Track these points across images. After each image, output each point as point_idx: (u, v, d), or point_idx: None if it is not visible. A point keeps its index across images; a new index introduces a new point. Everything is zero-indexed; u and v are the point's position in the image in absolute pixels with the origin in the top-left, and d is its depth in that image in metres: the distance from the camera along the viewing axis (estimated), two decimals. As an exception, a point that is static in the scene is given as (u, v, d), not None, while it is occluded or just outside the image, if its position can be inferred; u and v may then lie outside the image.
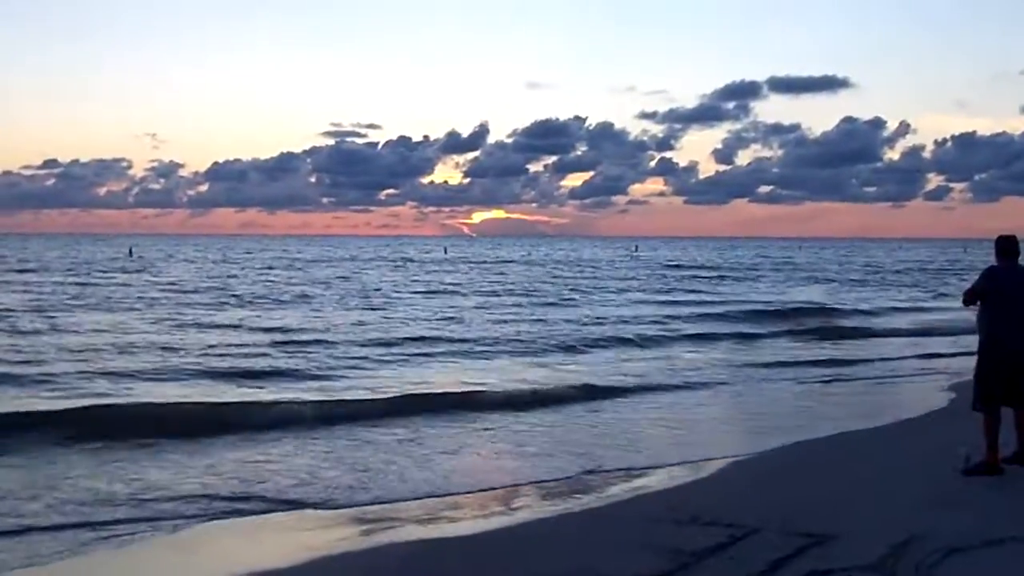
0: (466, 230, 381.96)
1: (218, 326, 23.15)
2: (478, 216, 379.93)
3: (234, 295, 34.89)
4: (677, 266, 71.04)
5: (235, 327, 22.83)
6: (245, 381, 14.47)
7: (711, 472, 8.91)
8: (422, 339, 20.44)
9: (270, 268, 61.29)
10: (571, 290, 40.51)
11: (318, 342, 19.49)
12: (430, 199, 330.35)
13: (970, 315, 8.64)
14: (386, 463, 9.37)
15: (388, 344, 19.52)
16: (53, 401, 12.23)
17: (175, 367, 15.70)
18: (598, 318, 26.38)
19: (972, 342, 8.37)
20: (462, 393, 13.29)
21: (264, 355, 17.65)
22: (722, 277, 54.61)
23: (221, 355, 17.40)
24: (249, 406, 11.95)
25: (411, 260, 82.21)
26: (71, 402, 12.03)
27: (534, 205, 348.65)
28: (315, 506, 7.75)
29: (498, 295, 37.29)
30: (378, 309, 29.71)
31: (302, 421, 11.29)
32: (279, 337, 20.52)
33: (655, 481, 8.59)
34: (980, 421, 8.08)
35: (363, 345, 19.33)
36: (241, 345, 18.96)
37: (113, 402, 12.05)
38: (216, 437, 10.27)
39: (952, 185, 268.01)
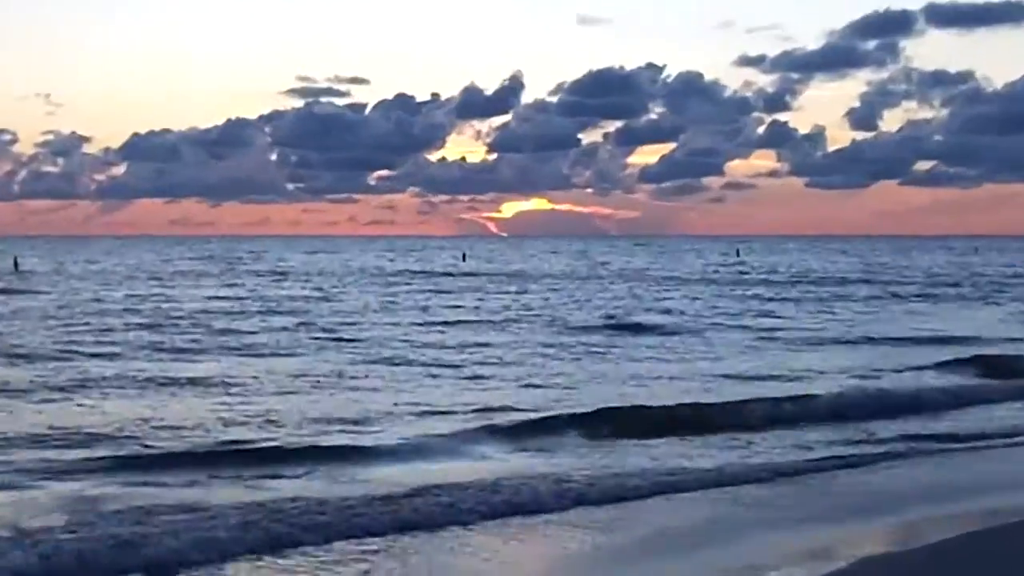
0: (493, 227, 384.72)
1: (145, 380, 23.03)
2: (509, 207, 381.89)
3: (159, 330, 34.86)
4: (797, 282, 70.58)
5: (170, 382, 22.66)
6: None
7: None
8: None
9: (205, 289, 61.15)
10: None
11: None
12: (441, 184, 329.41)
13: None
14: None
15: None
16: None
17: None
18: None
19: None
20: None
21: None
22: (872, 298, 54.12)
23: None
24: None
25: (412, 272, 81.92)
26: None
27: (589, 191, 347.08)
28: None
29: (535, 327, 36.99)
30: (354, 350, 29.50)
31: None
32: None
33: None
34: None
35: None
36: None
37: None
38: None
39: None
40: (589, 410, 19.27)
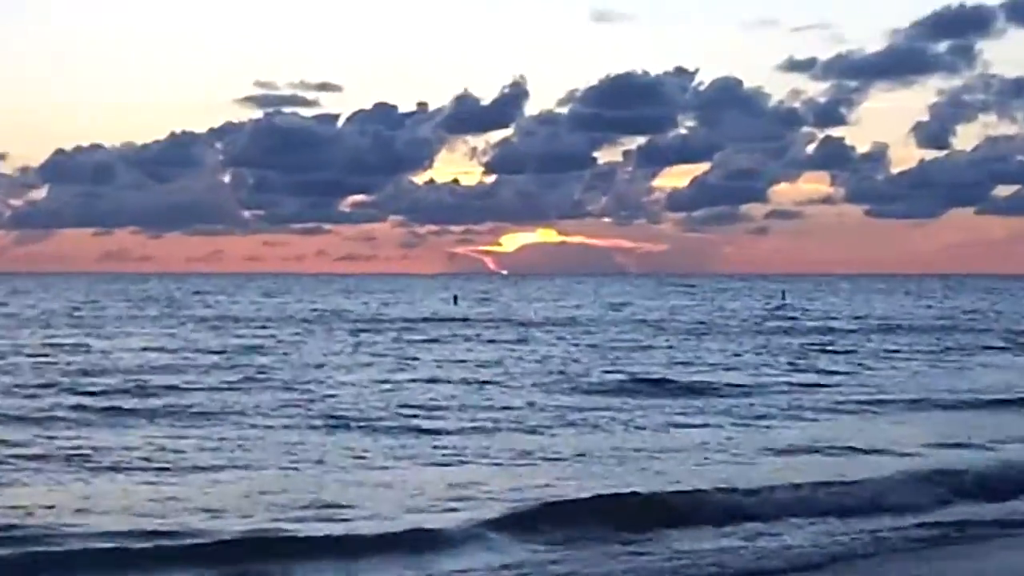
0: (490, 263, 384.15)
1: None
2: (510, 240, 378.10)
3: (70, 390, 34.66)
4: (855, 330, 70.65)
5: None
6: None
7: None
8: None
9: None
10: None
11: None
12: (428, 211, 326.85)
13: None
14: None
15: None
16: None
17: None
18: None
19: None
20: None
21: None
22: (948, 349, 54.26)
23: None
24: None
25: (392, 318, 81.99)
26: None
27: (606, 221, 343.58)
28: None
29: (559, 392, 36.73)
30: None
31: None
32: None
33: None
34: None
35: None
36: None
37: None
38: None
39: None
40: (591, 495, 19.08)
